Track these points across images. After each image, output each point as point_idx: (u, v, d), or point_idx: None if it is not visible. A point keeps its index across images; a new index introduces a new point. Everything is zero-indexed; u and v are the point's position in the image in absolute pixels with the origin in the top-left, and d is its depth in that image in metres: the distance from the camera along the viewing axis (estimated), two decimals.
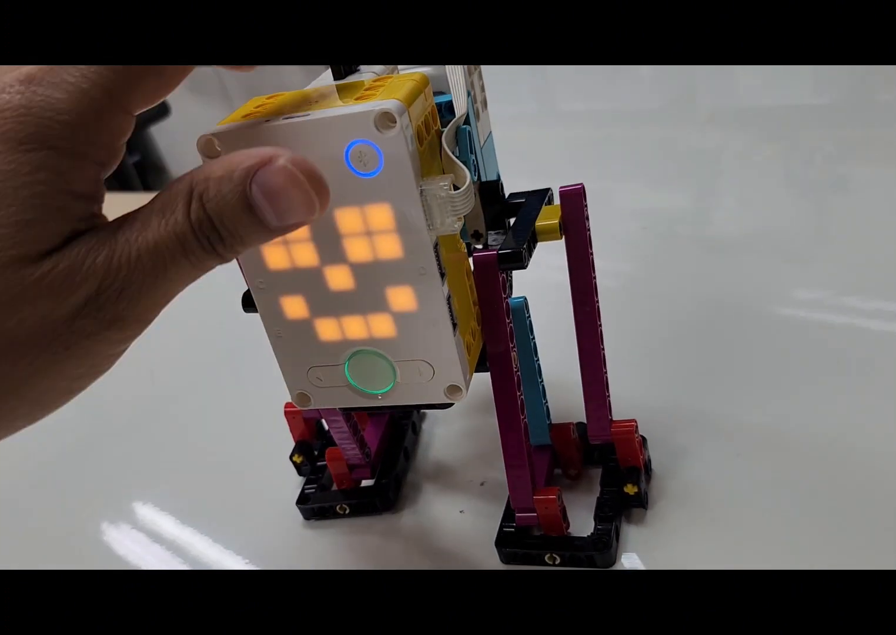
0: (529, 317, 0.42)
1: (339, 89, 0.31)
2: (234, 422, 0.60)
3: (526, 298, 0.42)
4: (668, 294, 0.63)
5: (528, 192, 0.41)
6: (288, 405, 0.50)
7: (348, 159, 0.28)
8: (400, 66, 0.40)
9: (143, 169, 2.35)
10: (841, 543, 0.39)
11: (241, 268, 0.33)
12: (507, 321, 0.36)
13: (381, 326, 0.32)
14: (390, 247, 0.30)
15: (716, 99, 1.01)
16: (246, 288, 0.34)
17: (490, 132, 0.47)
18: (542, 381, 0.44)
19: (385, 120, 0.27)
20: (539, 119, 1.09)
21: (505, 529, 0.43)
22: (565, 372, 0.46)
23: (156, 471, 0.58)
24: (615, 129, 0.98)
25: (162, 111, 2.20)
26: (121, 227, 0.25)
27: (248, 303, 0.37)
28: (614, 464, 0.44)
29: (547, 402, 0.45)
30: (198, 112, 2.56)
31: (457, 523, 0.46)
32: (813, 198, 0.73)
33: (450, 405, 0.34)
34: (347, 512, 0.47)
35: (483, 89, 0.45)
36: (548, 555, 0.42)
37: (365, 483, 0.48)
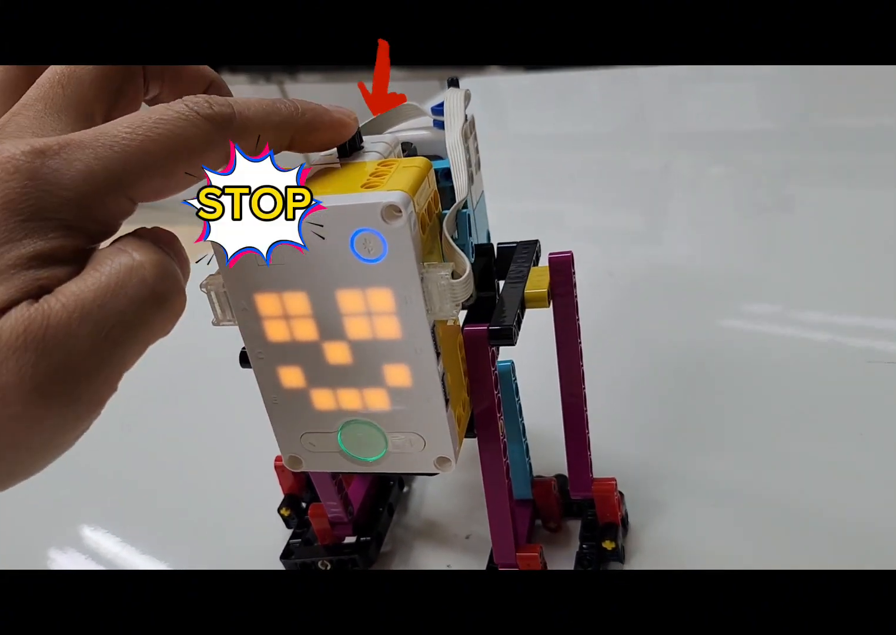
0: (515, 379, 0.42)
1: (345, 171, 0.31)
2: (223, 473, 0.58)
3: (513, 362, 0.41)
4: (627, 325, 0.63)
5: (516, 246, 0.41)
6: (278, 458, 0.49)
7: (353, 245, 0.28)
8: (403, 134, 0.40)
9: None
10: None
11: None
12: (496, 392, 0.36)
13: (376, 400, 0.32)
14: (389, 328, 0.30)
15: (665, 123, 1.02)
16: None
17: (482, 192, 0.47)
18: (526, 440, 0.44)
19: (391, 211, 0.27)
20: (490, 141, 1.10)
21: None
22: (546, 423, 0.46)
23: (136, 519, 0.56)
24: (566, 152, 0.98)
25: None
26: None
27: (246, 361, 0.36)
28: (592, 518, 0.44)
29: (530, 459, 0.45)
30: None
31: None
32: (760, 220, 0.75)
33: (437, 473, 0.34)
34: (329, 567, 0.46)
35: (477, 151, 0.45)
36: None
37: (349, 539, 0.47)
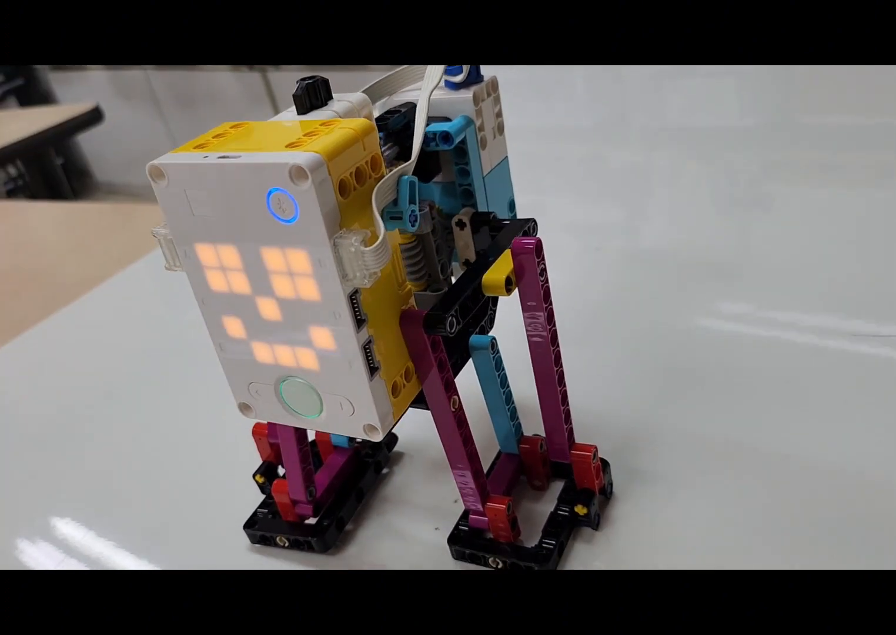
0: (497, 353, 0.38)
1: (286, 128, 0.28)
2: (204, 438, 0.54)
3: (493, 338, 0.38)
4: (606, 310, 0.58)
5: (509, 224, 0.37)
6: (256, 426, 0.44)
7: (269, 204, 0.25)
8: (411, 95, 0.36)
9: (66, 173, 2.03)
10: (800, 562, 0.36)
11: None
12: (442, 374, 0.32)
13: (306, 359, 0.29)
14: (309, 290, 0.27)
15: (645, 118, 0.94)
16: None
17: (505, 157, 0.42)
18: (512, 405, 0.40)
19: (299, 172, 0.24)
20: None
21: (460, 527, 0.40)
22: None
23: (116, 477, 0.52)
24: (548, 145, 0.91)
25: (95, 117, 1.82)
26: None
27: None
28: (573, 482, 0.41)
29: (518, 421, 0.41)
30: (126, 117, 2.28)
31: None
32: (737, 216, 0.68)
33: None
34: (286, 545, 0.42)
35: (500, 115, 0.41)
36: (492, 559, 0.39)
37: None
